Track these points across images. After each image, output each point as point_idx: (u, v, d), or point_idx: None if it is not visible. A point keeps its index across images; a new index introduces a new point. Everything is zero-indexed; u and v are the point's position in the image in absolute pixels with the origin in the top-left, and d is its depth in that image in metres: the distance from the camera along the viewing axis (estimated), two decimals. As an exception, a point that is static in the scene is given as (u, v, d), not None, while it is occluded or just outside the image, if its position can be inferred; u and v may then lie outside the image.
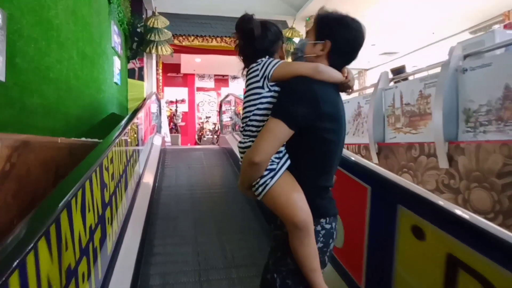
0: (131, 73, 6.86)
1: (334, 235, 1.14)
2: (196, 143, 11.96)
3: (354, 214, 1.65)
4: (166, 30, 6.82)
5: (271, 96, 1.12)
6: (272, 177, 1.06)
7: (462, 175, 3.51)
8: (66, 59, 3.15)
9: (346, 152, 1.77)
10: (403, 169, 4.45)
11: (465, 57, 3.74)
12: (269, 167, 1.07)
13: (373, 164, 1.61)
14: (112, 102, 5.15)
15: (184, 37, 7.45)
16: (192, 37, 7.46)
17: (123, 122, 2.56)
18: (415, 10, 8.46)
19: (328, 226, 1.11)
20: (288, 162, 1.10)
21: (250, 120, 1.13)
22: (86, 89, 3.81)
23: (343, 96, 1.25)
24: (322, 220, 1.10)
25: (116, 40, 5.30)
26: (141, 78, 6.96)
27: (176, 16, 7.54)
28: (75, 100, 3.46)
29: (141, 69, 6.97)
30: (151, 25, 6.59)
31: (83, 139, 2.84)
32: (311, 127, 1.05)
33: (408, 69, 5.80)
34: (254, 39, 1.16)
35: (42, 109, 2.54)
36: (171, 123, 10.86)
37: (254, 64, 1.15)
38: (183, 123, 12.01)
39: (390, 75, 5.42)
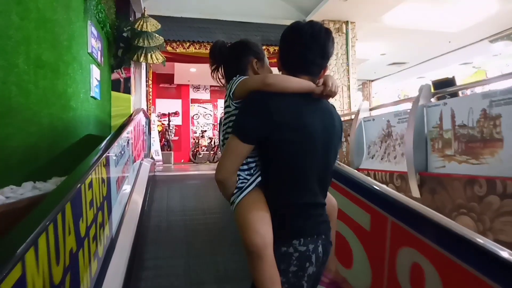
0: (115, 85, 5.81)
1: (312, 258, 1.02)
2: (189, 160, 10.93)
3: None
4: (157, 35, 5.83)
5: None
6: (238, 196, 1.05)
7: None
8: (3, 68, 2.12)
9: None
10: (459, 210, 3.46)
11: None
12: (239, 185, 1.06)
13: None
14: (87, 121, 4.11)
15: (178, 43, 6.45)
16: (188, 43, 6.47)
17: (84, 170, 1.50)
18: (432, 17, 7.73)
19: (302, 248, 1.01)
20: (258, 179, 1.08)
21: (225, 138, 1.13)
22: (43, 109, 2.77)
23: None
24: (295, 242, 1.01)
25: (94, 44, 4.29)
26: (127, 90, 5.92)
27: (170, 20, 6.56)
28: (22, 126, 2.42)
29: (127, 80, 5.93)
30: (139, 29, 5.57)
31: (19, 192, 1.78)
32: (269, 139, 1.02)
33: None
34: (221, 64, 1.27)
35: None
36: (163, 139, 9.84)
37: (228, 84, 1.17)
38: (176, 138, 11.07)
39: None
